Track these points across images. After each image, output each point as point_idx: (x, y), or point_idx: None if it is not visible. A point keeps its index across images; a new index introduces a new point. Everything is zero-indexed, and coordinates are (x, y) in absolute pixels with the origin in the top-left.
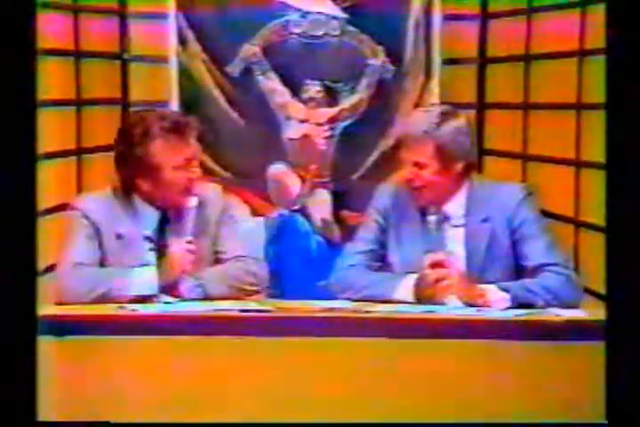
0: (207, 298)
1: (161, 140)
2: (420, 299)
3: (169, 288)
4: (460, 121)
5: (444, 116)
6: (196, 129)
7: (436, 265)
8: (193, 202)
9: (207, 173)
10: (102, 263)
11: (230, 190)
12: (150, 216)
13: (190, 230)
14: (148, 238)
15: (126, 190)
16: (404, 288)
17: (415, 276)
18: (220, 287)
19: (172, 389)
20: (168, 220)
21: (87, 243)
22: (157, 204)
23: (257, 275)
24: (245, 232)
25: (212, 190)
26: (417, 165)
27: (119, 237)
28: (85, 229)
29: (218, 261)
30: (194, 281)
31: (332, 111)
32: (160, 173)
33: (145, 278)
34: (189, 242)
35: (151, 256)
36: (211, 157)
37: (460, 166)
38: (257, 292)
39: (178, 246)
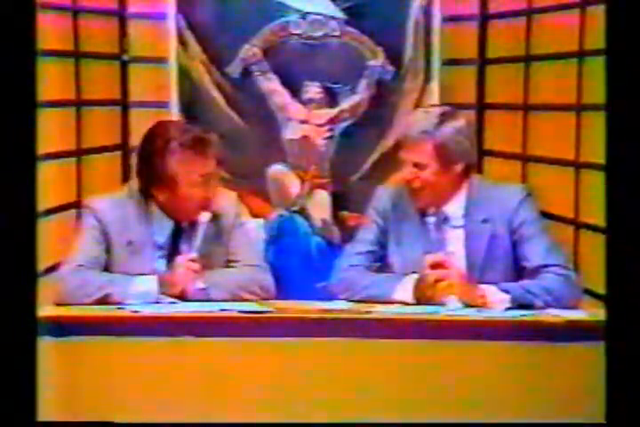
0: (208, 300)
1: (179, 155)
2: (419, 299)
3: None
4: (460, 121)
5: (444, 117)
6: (216, 146)
7: (435, 266)
8: (205, 217)
9: None
10: (108, 267)
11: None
12: (164, 224)
13: (198, 247)
14: (159, 246)
15: (143, 196)
16: (404, 289)
17: (415, 276)
18: (223, 293)
19: (171, 389)
20: (182, 230)
21: (93, 245)
22: (172, 215)
23: (262, 284)
24: (255, 240)
25: (226, 199)
26: (416, 165)
27: (130, 243)
28: (94, 231)
29: (228, 268)
30: (198, 284)
31: (332, 112)
32: (175, 187)
33: (145, 289)
34: (193, 260)
35: (161, 264)
36: None
37: (459, 167)
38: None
39: (181, 264)
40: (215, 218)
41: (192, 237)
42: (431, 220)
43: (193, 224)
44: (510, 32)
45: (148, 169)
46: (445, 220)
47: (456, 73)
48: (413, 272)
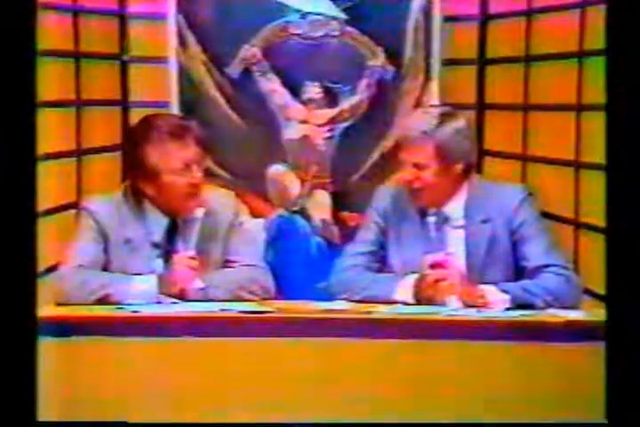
0: (208, 300)
1: (158, 143)
2: (419, 299)
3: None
4: (460, 122)
5: (444, 117)
6: (197, 133)
7: (436, 266)
8: (200, 213)
9: (206, 174)
10: (107, 267)
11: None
12: (159, 222)
13: (194, 244)
14: (155, 245)
15: (136, 195)
16: (404, 289)
17: (415, 276)
18: (223, 293)
19: (171, 389)
20: (177, 227)
21: (92, 245)
22: (164, 209)
23: (262, 284)
24: (254, 239)
25: (224, 197)
26: (416, 166)
27: (127, 242)
28: (92, 232)
29: (227, 268)
30: (198, 284)
31: (332, 112)
32: (159, 177)
33: (144, 288)
34: (192, 257)
35: (158, 263)
36: (210, 159)
37: (459, 167)
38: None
39: (179, 262)
40: (211, 215)
41: (188, 235)
42: (431, 220)
43: (188, 222)
44: (510, 32)
45: (133, 164)
46: (445, 220)
47: (456, 73)
48: (413, 272)
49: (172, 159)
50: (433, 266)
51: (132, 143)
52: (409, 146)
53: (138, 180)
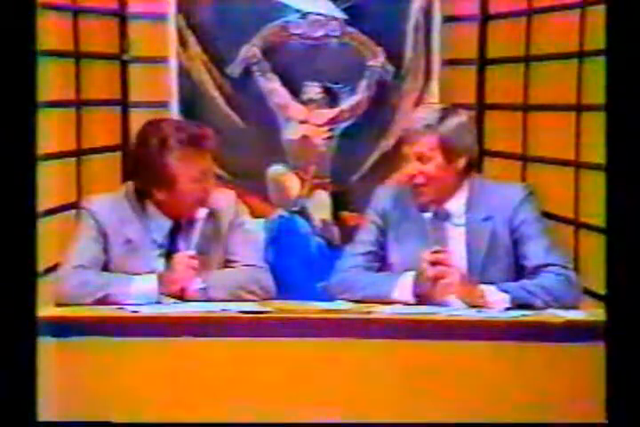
0: (208, 300)
1: (178, 152)
2: (419, 297)
3: None
4: (463, 117)
5: (447, 112)
6: (213, 140)
7: (436, 263)
8: (202, 213)
9: None
10: (107, 267)
11: None
12: (162, 224)
13: (195, 244)
14: (157, 245)
15: (140, 196)
16: (403, 287)
17: (412, 273)
18: (223, 293)
19: (171, 389)
20: (179, 228)
21: (92, 245)
22: (170, 212)
23: (262, 284)
24: (254, 239)
25: (225, 197)
26: (420, 159)
27: (128, 242)
28: (92, 231)
29: (227, 268)
30: (198, 284)
31: (332, 112)
32: (176, 185)
33: (145, 288)
34: (192, 257)
35: (159, 263)
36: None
37: (462, 162)
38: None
39: (180, 261)
40: (213, 216)
41: (190, 235)
42: (432, 218)
43: (190, 222)
44: (510, 32)
45: (146, 170)
46: (446, 217)
47: (456, 73)
48: (408, 270)
49: (191, 168)
50: (433, 263)
51: (147, 150)
52: (412, 139)
53: (149, 185)
